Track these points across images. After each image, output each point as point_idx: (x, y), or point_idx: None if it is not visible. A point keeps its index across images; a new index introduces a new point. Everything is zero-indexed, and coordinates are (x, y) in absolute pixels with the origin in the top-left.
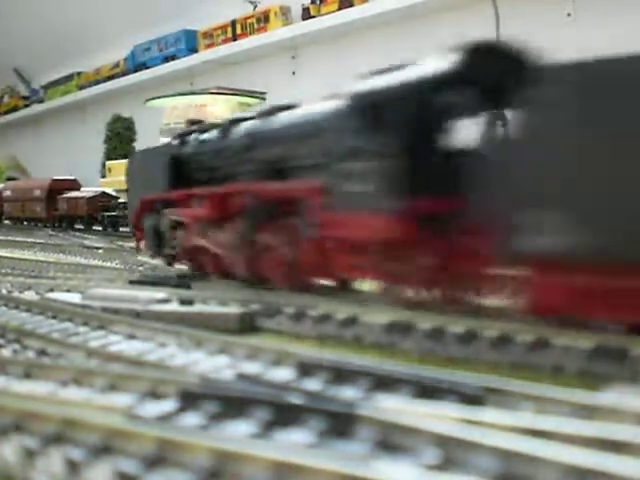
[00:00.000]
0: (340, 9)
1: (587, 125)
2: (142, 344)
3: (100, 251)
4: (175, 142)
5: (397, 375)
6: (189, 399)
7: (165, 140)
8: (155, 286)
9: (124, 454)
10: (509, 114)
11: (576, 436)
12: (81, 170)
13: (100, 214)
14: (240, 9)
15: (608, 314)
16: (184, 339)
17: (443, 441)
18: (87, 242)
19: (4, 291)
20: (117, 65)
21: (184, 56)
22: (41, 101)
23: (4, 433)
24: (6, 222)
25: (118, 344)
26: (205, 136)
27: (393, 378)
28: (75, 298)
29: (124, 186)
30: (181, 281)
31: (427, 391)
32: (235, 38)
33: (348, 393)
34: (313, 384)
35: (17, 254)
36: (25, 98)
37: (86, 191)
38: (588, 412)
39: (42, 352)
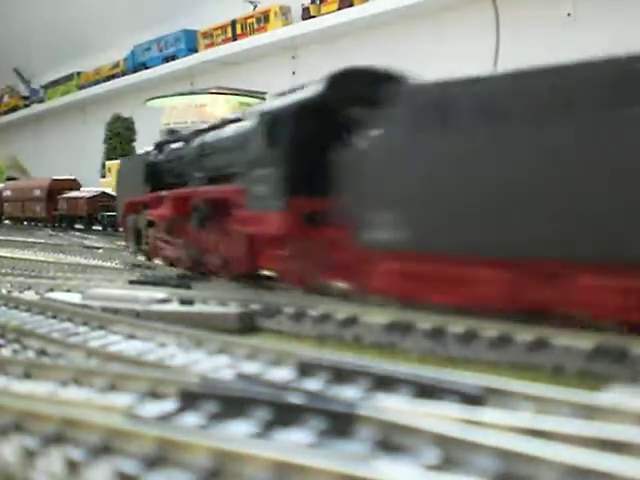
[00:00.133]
0: (340, 9)
1: (414, 142)
2: (142, 344)
3: (100, 251)
4: (154, 151)
5: (397, 375)
6: (189, 399)
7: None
8: (155, 286)
9: (124, 454)
10: (368, 132)
11: (576, 436)
12: (81, 170)
13: (100, 214)
14: (240, 9)
15: (428, 297)
16: (184, 339)
17: (443, 441)
18: (87, 242)
19: (4, 291)
20: (117, 65)
21: (184, 56)
22: (41, 101)
23: (4, 433)
24: (6, 222)
25: (118, 344)
26: (174, 145)
27: (393, 378)
28: (75, 298)
29: None
30: (181, 281)
31: (427, 391)
32: (235, 38)
33: (348, 393)
34: (313, 384)
35: (17, 254)
36: (25, 98)
37: (86, 191)
38: (588, 412)
39: (42, 352)
